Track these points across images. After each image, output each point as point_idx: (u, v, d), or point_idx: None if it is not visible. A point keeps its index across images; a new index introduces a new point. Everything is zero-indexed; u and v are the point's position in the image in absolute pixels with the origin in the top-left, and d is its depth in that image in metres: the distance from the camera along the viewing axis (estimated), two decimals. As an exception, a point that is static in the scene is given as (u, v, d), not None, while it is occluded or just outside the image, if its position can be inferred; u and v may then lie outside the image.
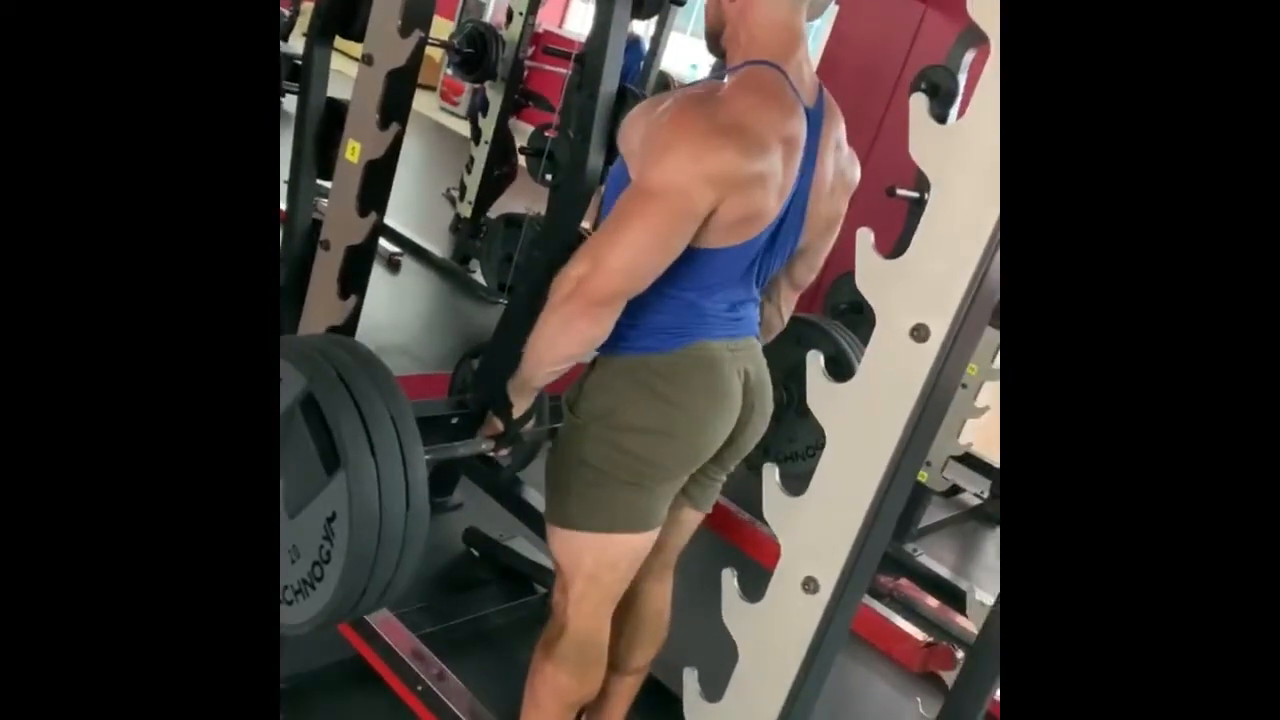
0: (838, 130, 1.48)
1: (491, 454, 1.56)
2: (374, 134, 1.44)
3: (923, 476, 2.86)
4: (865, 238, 0.94)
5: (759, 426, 1.54)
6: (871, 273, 0.94)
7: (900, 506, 1.01)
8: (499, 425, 1.55)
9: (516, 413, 1.52)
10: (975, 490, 3.59)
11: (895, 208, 3.17)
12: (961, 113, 0.91)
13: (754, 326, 1.51)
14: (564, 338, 1.35)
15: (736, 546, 2.51)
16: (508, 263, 3.82)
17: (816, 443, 2.74)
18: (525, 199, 4.33)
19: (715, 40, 1.45)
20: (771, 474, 1.04)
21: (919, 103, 0.91)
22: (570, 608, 1.53)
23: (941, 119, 0.90)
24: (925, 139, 0.90)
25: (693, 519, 1.66)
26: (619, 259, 1.29)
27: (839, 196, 1.51)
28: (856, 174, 1.54)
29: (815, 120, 1.41)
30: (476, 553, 2.44)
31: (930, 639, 2.51)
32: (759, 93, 1.34)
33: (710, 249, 1.35)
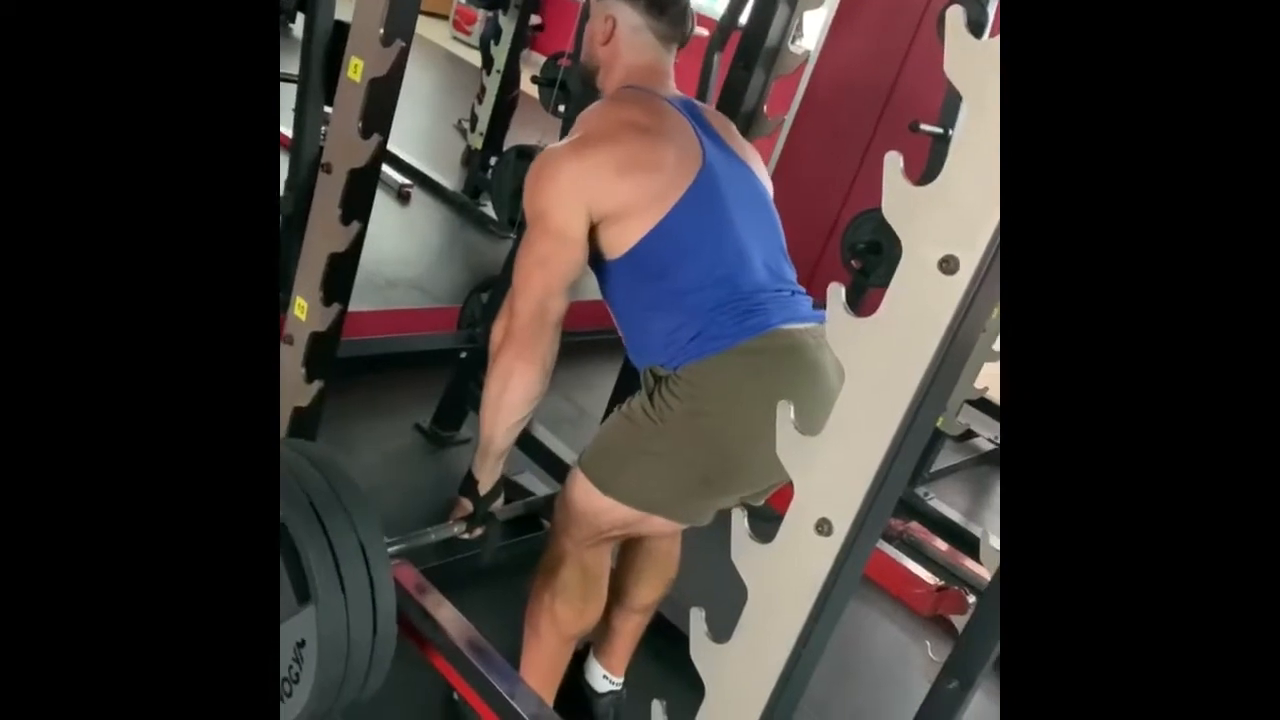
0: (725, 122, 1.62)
1: (466, 536, 1.59)
2: (377, 50, 1.37)
3: (938, 420, 2.82)
4: (894, 162, 0.88)
5: None
6: (899, 200, 0.88)
7: (920, 448, 0.96)
8: (468, 506, 1.57)
9: (482, 489, 1.55)
10: (989, 435, 3.56)
11: (918, 145, 3.09)
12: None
13: (816, 313, 1.47)
14: (510, 389, 1.42)
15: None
16: (519, 196, 3.74)
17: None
18: (537, 131, 4.24)
19: (592, 78, 1.61)
20: (785, 411, 0.99)
21: (956, 15, 0.85)
22: (572, 545, 1.52)
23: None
24: (962, 53, 0.84)
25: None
26: (528, 296, 1.39)
27: (764, 173, 1.61)
28: (760, 159, 1.65)
29: (681, 102, 1.53)
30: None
31: (941, 583, 2.50)
32: (608, 103, 1.51)
33: (647, 234, 1.38)
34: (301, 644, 1.21)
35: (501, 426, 1.46)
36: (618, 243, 1.41)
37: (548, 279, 1.39)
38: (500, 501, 1.61)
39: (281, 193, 2.83)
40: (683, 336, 1.40)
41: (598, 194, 1.38)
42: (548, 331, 1.41)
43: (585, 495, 1.47)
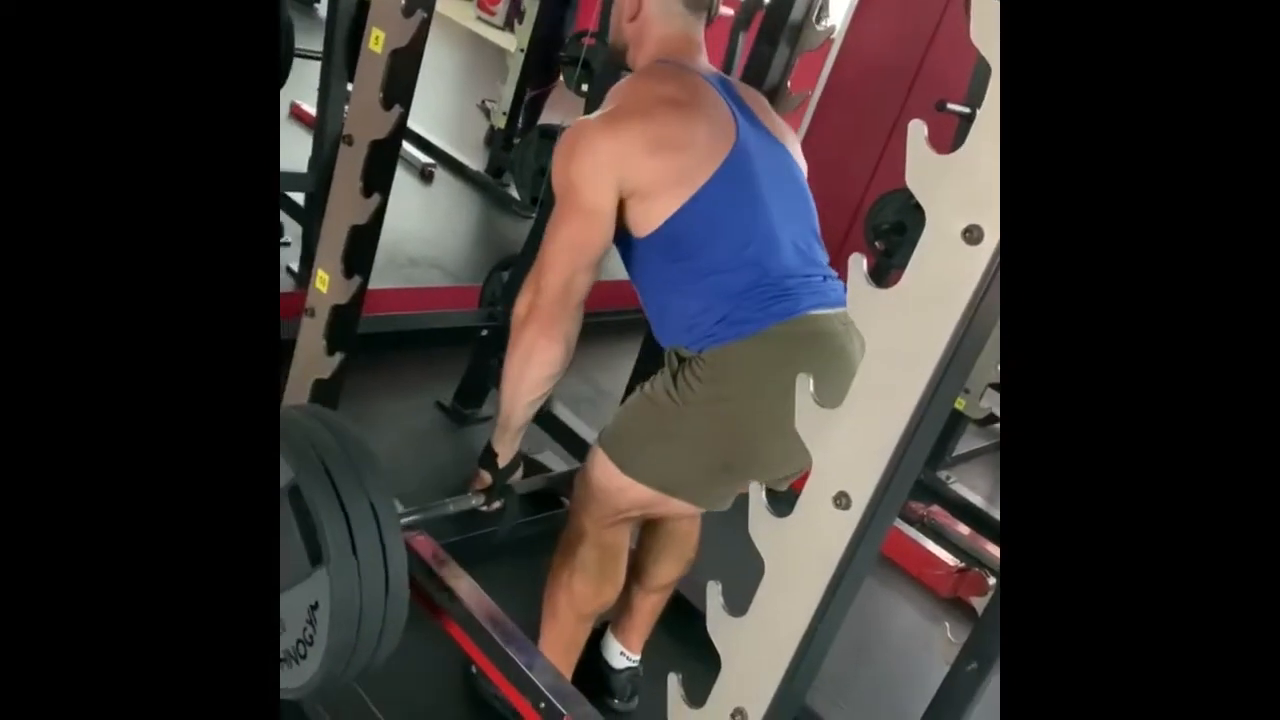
0: (760, 99, 1.59)
1: (484, 509, 1.58)
2: (398, 21, 1.37)
3: (960, 404, 2.80)
4: (918, 130, 0.87)
5: None
6: (923, 168, 0.87)
7: (942, 420, 0.95)
8: (486, 479, 1.56)
9: (501, 462, 1.54)
10: (1013, 419, 3.51)
11: (944, 126, 3.05)
12: None
13: (845, 298, 1.46)
14: (531, 365, 1.41)
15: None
16: (541, 175, 3.74)
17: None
18: (560, 112, 4.23)
19: (622, 57, 1.57)
20: (805, 384, 0.99)
21: (984, -19, 0.83)
22: (591, 523, 1.52)
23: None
24: (989, 19, 0.82)
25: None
26: (554, 273, 1.37)
27: (799, 154, 1.58)
28: (798, 141, 1.62)
29: (716, 78, 1.49)
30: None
31: (962, 565, 2.48)
32: (640, 77, 1.47)
33: (676, 213, 1.36)
34: (315, 606, 1.21)
35: (522, 401, 1.46)
36: (645, 221, 1.39)
37: (575, 255, 1.37)
38: (519, 475, 1.60)
39: (305, 169, 2.84)
40: (708, 320, 1.38)
41: (629, 171, 1.36)
42: (571, 309, 1.39)
43: (605, 474, 1.47)
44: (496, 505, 1.59)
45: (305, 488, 1.20)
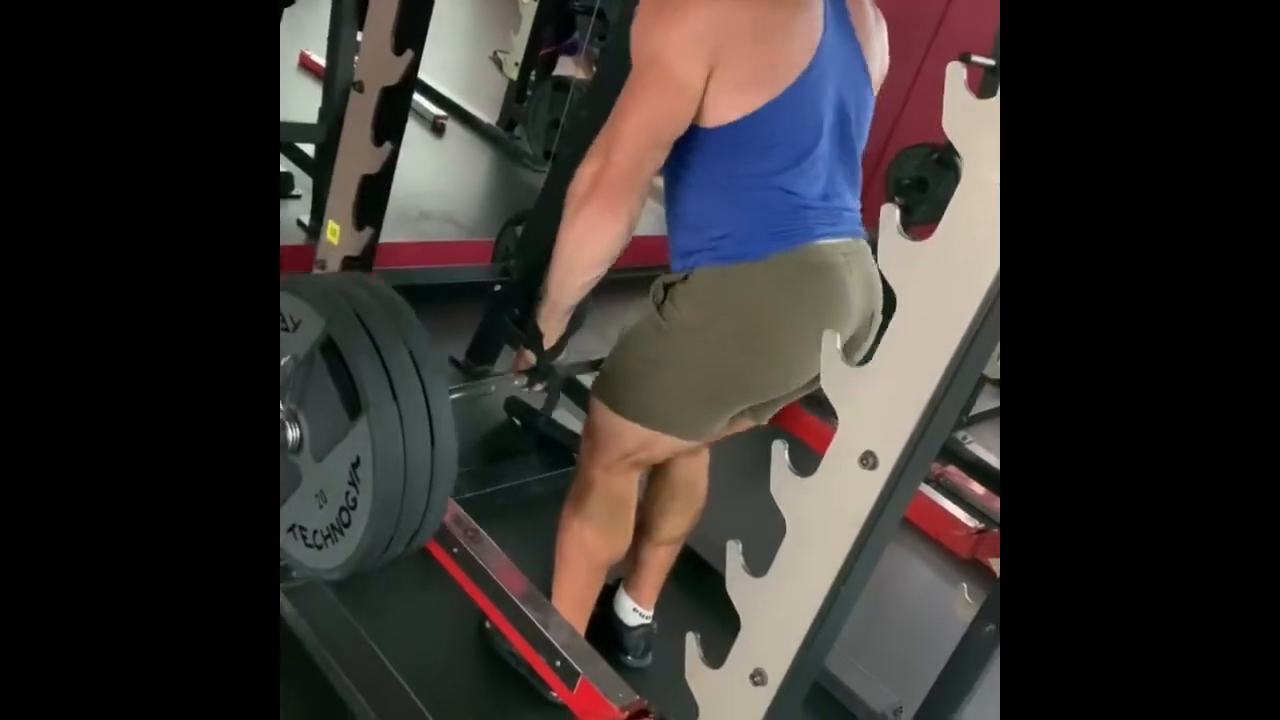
0: None
1: (527, 389, 1.54)
2: (410, -38, 1.32)
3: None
4: (957, 74, 0.83)
5: (868, 344, 1.43)
6: (962, 114, 0.83)
7: (975, 379, 0.92)
8: (531, 359, 1.50)
9: (547, 343, 1.47)
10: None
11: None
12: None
13: (858, 225, 1.40)
14: (590, 240, 1.30)
15: (781, 427, 2.45)
16: (554, 128, 3.68)
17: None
18: (574, 63, 4.15)
19: None
20: (832, 341, 0.95)
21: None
22: (599, 471, 1.50)
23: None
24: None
25: (744, 426, 1.60)
26: (626, 150, 1.25)
27: (881, 51, 1.43)
28: (884, 31, 1.46)
29: None
30: (518, 422, 2.42)
31: (981, 526, 2.47)
32: None
33: (752, 113, 1.26)
34: (356, 464, 1.13)
35: (577, 281, 1.36)
36: (712, 113, 1.27)
37: (653, 134, 1.25)
38: (563, 356, 1.54)
39: (315, 120, 2.79)
40: (712, 230, 1.32)
41: (727, 53, 1.22)
42: (640, 187, 1.28)
43: (601, 417, 1.46)
44: (539, 388, 1.55)
45: (338, 336, 1.10)
